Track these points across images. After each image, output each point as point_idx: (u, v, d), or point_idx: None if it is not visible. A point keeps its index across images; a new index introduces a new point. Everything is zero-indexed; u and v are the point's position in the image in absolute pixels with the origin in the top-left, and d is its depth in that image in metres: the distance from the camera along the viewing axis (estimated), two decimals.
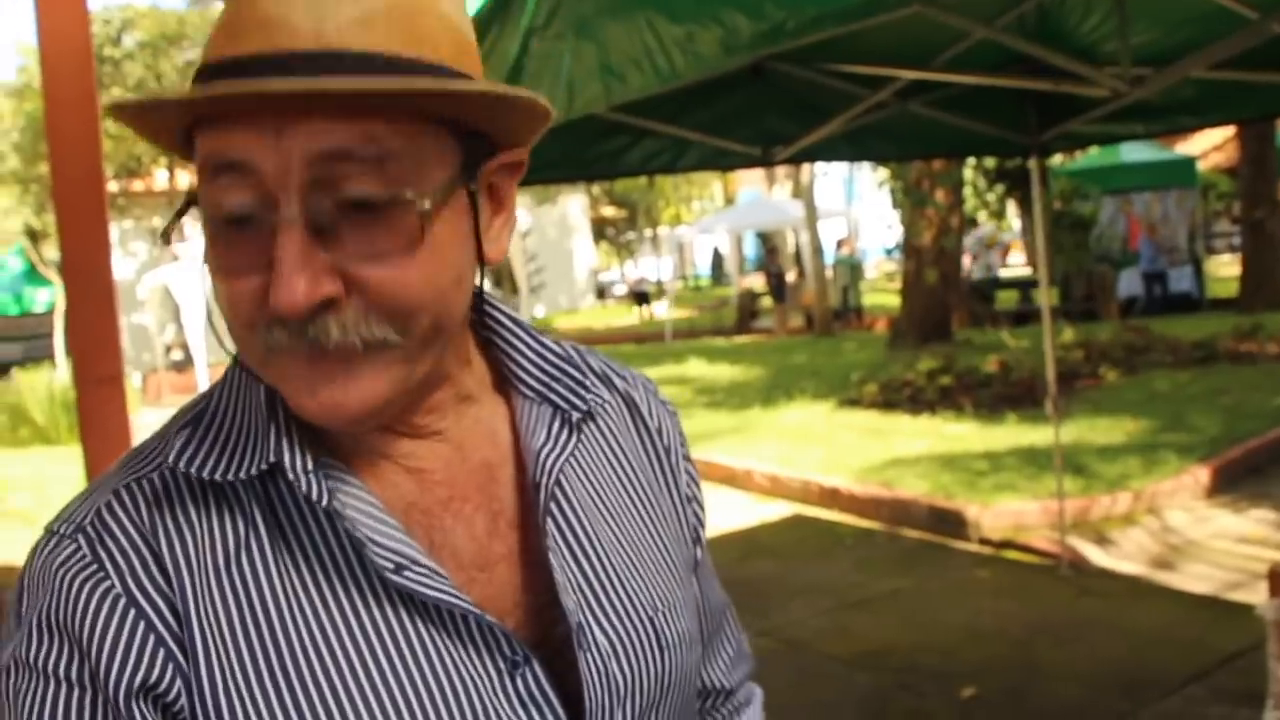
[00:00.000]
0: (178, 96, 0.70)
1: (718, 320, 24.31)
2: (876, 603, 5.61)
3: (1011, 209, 20.32)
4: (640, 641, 0.91)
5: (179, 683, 0.77)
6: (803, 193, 20.49)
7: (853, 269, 21.79)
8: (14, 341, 20.62)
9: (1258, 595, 4.35)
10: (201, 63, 0.74)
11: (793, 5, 1.85)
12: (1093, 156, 18.53)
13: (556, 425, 0.91)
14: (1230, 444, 7.68)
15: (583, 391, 0.94)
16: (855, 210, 30.43)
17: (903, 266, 15.65)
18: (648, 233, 40.34)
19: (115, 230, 22.30)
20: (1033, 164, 5.61)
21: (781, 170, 31.87)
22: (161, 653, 0.77)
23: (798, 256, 24.69)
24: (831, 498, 7.59)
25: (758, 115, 4.61)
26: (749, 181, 39.26)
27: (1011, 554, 6.26)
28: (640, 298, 28.82)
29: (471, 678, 0.82)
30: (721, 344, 19.47)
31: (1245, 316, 13.96)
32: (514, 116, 0.80)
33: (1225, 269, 20.78)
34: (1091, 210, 17.23)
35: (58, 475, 10.48)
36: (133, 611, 0.77)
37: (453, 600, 0.80)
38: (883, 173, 15.92)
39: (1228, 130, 18.95)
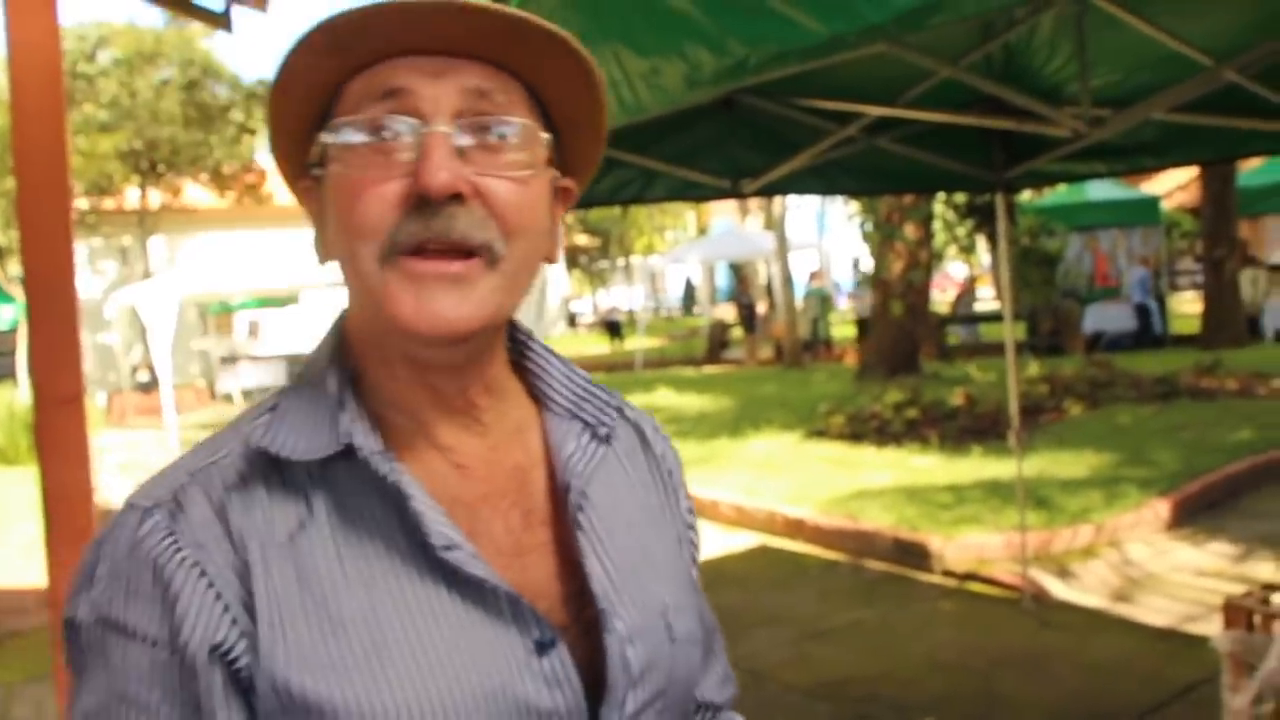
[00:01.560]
0: (388, 4, 0.85)
1: (688, 350, 24.35)
2: (838, 633, 5.62)
3: (981, 244, 20.50)
4: (654, 632, 1.00)
5: (243, 644, 0.86)
6: (774, 225, 20.59)
7: (822, 301, 21.90)
8: None
9: (1214, 627, 4.40)
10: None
11: (755, 42, 1.88)
12: (1060, 194, 18.76)
13: (585, 438, 1.03)
14: (1189, 478, 7.77)
15: (610, 412, 1.05)
16: (827, 243, 30.63)
17: (870, 299, 15.75)
18: (620, 261, 40.40)
19: (84, 248, 22.17)
20: (998, 200, 5.70)
21: (754, 202, 32.04)
22: (228, 618, 0.86)
23: (769, 288, 24.81)
24: (797, 528, 7.61)
25: (727, 147, 4.66)
26: (722, 212, 39.39)
27: (974, 586, 6.30)
28: (611, 327, 28.83)
29: (503, 653, 0.90)
30: (691, 374, 19.51)
31: (1206, 353, 14.14)
32: (583, 142, 1.00)
33: (1188, 306, 21.03)
34: (1058, 246, 17.43)
35: (17, 496, 10.35)
36: (204, 580, 0.86)
37: (494, 580, 0.90)
38: (854, 206, 16.06)
39: (1191, 170, 19.25)
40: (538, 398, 1.05)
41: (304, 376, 0.98)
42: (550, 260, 0.99)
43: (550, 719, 0.91)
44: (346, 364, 0.96)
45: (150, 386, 18.67)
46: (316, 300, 21.31)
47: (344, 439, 0.90)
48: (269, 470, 0.92)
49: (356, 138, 0.89)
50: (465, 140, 0.89)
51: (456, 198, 0.87)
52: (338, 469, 0.92)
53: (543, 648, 0.91)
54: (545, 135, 0.94)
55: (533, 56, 0.92)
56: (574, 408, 1.04)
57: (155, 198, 22.90)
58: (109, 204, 23.55)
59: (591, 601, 0.97)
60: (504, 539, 0.96)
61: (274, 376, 21.10)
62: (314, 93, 0.93)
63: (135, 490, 0.93)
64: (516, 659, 0.90)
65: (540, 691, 0.90)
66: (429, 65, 0.89)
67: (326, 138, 0.91)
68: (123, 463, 12.72)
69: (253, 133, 22.69)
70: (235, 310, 23.24)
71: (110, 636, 0.87)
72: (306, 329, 22.58)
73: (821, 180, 5.12)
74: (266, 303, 22.46)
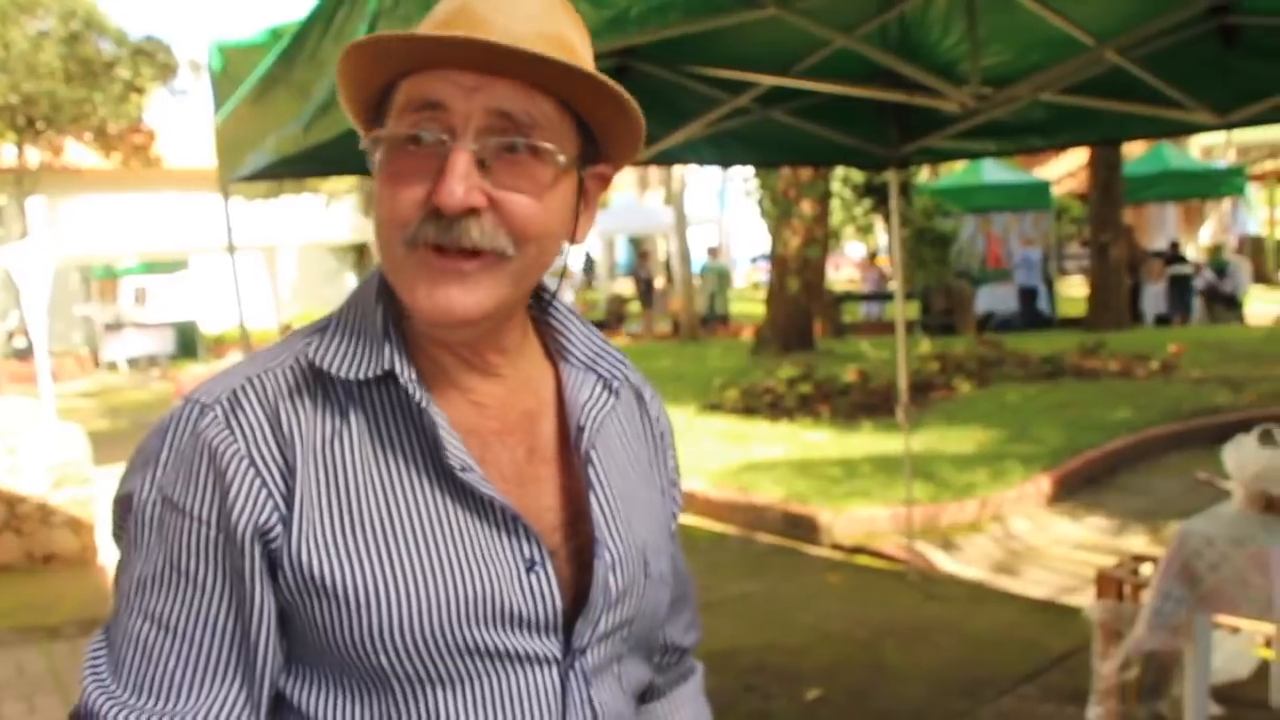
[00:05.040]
0: (425, 36, 0.97)
1: None
2: (726, 605, 5.64)
3: (880, 225, 20.77)
4: (634, 565, 1.14)
5: (280, 528, 1.00)
6: (674, 199, 20.59)
7: (720, 276, 21.98)
8: None
9: (1089, 598, 4.51)
10: (418, 31, 0.99)
11: None
12: (955, 176, 19.07)
13: (599, 389, 1.16)
14: (1071, 455, 7.99)
15: (623, 368, 1.19)
16: (727, 218, 30.76)
17: (769, 275, 15.86)
18: None
19: None
20: (891, 176, 5.74)
21: (655, 176, 32.05)
22: (270, 504, 1.00)
23: (668, 263, 24.84)
24: (688, 501, 7.60)
25: None
26: (622, 186, 39.32)
27: (862, 559, 6.38)
28: None
29: (498, 564, 1.04)
30: None
31: (1091, 334, 14.54)
32: (620, 128, 1.07)
33: (1076, 289, 21.60)
34: (952, 228, 17.73)
35: None
36: (253, 470, 1.00)
37: (500, 500, 1.04)
38: (753, 182, 16.13)
39: (1081, 158, 19.76)
40: (556, 352, 1.19)
41: (353, 305, 1.10)
42: (574, 242, 1.11)
43: (528, 625, 1.05)
44: (393, 304, 1.07)
45: (27, 353, 17.95)
46: (207, 265, 20.73)
47: (387, 365, 1.04)
48: (316, 383, 1.05)
49: (396, 140, 1.01)
50: (486, 155, 0.99)
51: (471, 210, 0.98)
52: (375, 391, 1.06)
53: (532, 565, 1.05)
54: (570, 148, 1.04)
55: (568, 84, 1.01)
56: (590, 362, 1.18)
57: (34, 156, 21.91)
58: None
59: (581, 530, 1.11)
60: (510, 469, 1.09)
61: (161, 344, 20.51)
62: (363, 91, 1.06)
63: (197, 387, 1.06)
64: (509, 571, 1.04)
65: (524, 601, 1.04)
66: (466, 81, 0.99)
67: (377, 133, 1.03)
68: None
69: (140, 91, 21.82)
70: (121, 275, 22.47)
71: (169, 514, 1.00)
72: (196, 295, 21.98)
73: (716, 150, 5.10)
74: (154, 268, 21.77)
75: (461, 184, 0.96)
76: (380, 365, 1.04)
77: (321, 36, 2.79)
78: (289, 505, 1.00)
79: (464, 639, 1.02)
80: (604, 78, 1.01)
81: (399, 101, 1.02)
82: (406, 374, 1.04)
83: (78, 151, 22.58)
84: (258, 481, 0.99)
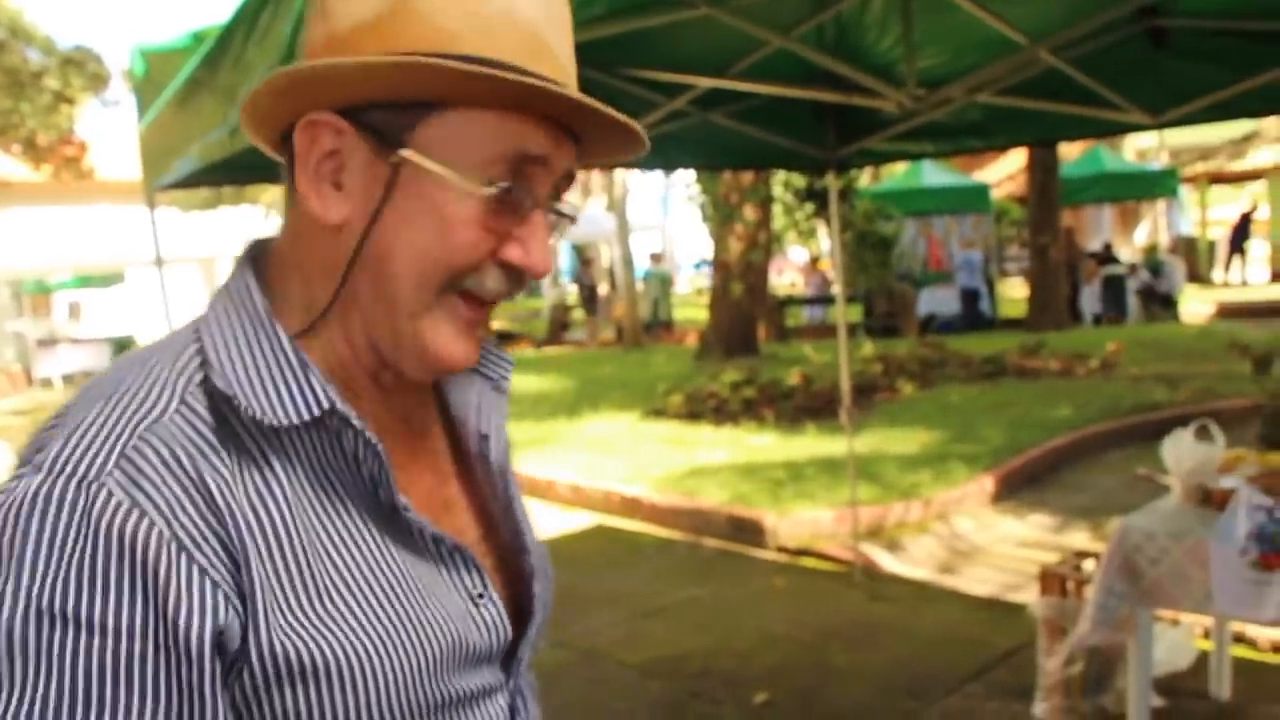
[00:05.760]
0: (545, 86, 0.87)
1: (529, 331, 24.17)
2: (673, 611, 5.61)
3: (822, 229, 20.89)
4: (546, 571, 1.12)
5: (237, 625, 0.81)
6: (616, 206, 20.57)
7: (663, 282, 21.98)
8: None
9: (1033, 595, 4.53)
10: (477, 52, 0.88)
11: None
12: (896, 180, 19.22)
13: (487, 389, 1.11)
14: (1013, 454, 8.05)
15: (507, 366, 1.14)
16: (670, 224, 30.79)
17: (712, 280, 15.88)
18: None
19: None
20: (830, 179, 5.75)
21: (597, 182, 32.01)
22: (224, 602, 0.80)
23: (611, 269, 24.80)
24: (633, 507, 7.59)
25: None
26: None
27: (808, 561, 6.37)
28: None
29: (452, 603, 0.96)
30: (531, 354, 19.34)
31: (1031, 335, 14.71)
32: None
33: (1016, 291, 21.85)
34: (894, 231, 17.87)
35: None
36: (192, 564, 0.79)
37: (449, 538, 0.97)
38: (695, 187, 16.13)
39: (1019, 161, 20.01)
40: None
41: (229, 325, 0.92)
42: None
43: (484, 659, 0.99)
44: (285, 326, 0.93)
45: None
46: (143, 279, 20.37)
47: (324, 404, 0.89)
48: (223, 428, 0.87)
49: (471, 185, 0.90)
50: (549, 219, 0.97)
51: None
52: (300, 432, 0.90)
53: (479, 596, 0.99)
54: None
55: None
56: (479, 365, 1.11)
57: None
58: None
59: (495, 542, 1.07)
60: (432, 496, 1.02)
61: (97, 360, 20.10)
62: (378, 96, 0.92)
63: (49, 455, 0.80)
64: (459, 608, 0.96)
65: (480, 636, 0.98)
66: (553, 135, 0.93)
67: (448, 172, 0.90)
68: None
69: (71, 101, 21.44)
70: (54, 290, 22.01)
71: (59, 632, 0.75)
72: (133, 309, 21.59)
73: (656, 154, 5.06)
74: (88, 281, 21.35)
75: (546, 251, 0.94)
76: (315, 404, 0.89)
77: (246, 39, 2.72)
78: (242, 595, 0.82)
79: (442, 692, 0.93)
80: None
81: (471, 137, 0.90)
82: (352, 414, 0.90)
83: (6, 164, 22.12)
84: (203, 578, 0.79)
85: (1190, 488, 3.63)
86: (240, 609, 0.81)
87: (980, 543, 6.57)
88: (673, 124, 4.75)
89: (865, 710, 4.35)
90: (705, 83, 4.32)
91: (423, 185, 0.89)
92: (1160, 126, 4.45)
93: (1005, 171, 24.31)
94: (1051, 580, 3.96)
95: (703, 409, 10.57)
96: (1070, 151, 18.88)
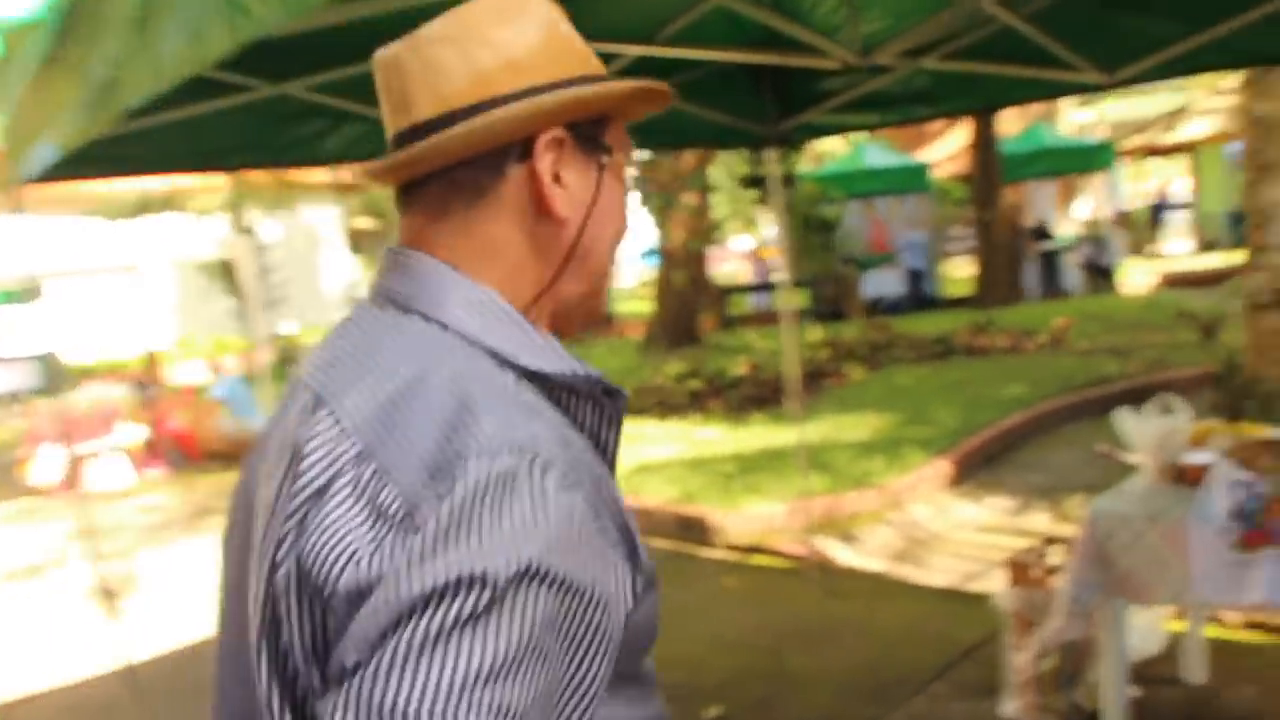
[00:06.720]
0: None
1: None
2: None
3: (765, 217, 20.68)
4: None
5: (634, 591, 0.98)
6: None
7: None
8: None
9: (996, 583, 4.30)
10: (598, 70, 1.12)
11: None
12: (837, 163, 19.04)
13: None
14: (967, 435, 7.83)
15: None
16: None
17: (658, 270, 15.62)
18: None
19: None
20: (771, 155, 5.46)
21: None
22: (630, 570, 0.98)
23: None
24: None
25: None
26: None
27: (759, 559, 6.10)
28: None
29: None
30: None
31: (979, 312, 14.57)
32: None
33: (962, 270, 21.77)
34: (836, 214, 17.68)
35: None
36: (615, 533, 0.96)
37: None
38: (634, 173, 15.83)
39: (962, 139, 19.92)
40: None
41: (495, 315, 1.03)
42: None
43: None
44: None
45: None
46: (64, 291, 19.67)
47: (594, 374, 1.04)
48: (564, 423, 1.01)
49: (619, 170, 1.14)
50: None
51: None
52: (584, 396, 1.05)
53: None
54: None
55: None
56: None
57: None
58: None
59: None
60: None
61: (23, 379, 19.39)
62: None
63: (495, 439, 0.89)
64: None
65: None
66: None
67: (624, 157, 1.15)
68: None
69: None
70: None
71: (533, 589, 0.85)
72: (56, 324, 20.87)
73: None
74: (8, 298, 20.60)
75: None
76: (591, 373, 1.04)
77: (96, 5, 2.37)
78: (632, 560, 0.97)
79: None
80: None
81: (621, 139, 1.14)
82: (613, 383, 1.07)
83: None
84: (621, 547, 0.96)
85: (1162, 465, 3.40)
86: (633, 573, 0.97)
87: (938, 530, 6.33)
88: None
89: (826, 718, 4.08)
90: (633, 50, 4.01)
91: (611, 178, 1.13)
92: (1114, 86, 4.21)
93: (946, 151, 24.24)
94: (1019, 570, 3.72)
95: (647, 403, 10.28)
96: (1011, 129, 18.78)
